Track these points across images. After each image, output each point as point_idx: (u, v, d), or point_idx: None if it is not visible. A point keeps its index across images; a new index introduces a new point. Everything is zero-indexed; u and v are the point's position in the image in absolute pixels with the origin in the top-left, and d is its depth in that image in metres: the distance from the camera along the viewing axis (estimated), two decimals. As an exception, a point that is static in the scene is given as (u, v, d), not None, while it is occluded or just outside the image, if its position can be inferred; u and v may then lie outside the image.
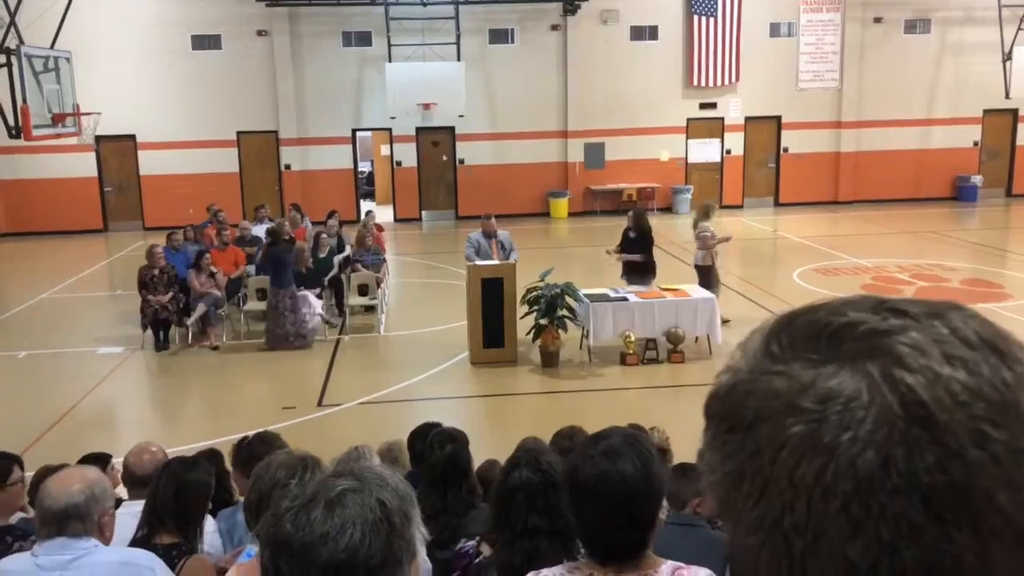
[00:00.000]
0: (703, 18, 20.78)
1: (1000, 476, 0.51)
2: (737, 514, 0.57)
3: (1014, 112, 21.91)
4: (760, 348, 0.59)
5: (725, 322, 10.26)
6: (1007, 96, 20.37)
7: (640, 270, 10.43)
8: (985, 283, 13.26)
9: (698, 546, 2.86)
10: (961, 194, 21.97)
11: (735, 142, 21.84)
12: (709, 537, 3.13)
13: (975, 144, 22.27)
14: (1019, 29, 20.20)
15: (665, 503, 2.47)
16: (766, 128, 21.82)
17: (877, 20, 21.43)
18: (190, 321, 10.82)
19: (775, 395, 0.56)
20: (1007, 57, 20.26)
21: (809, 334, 0.58)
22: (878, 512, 0.51)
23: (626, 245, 10.58)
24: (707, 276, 10.75)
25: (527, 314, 9.71)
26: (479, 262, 9.92)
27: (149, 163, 20.25)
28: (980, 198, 21.79)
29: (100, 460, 4.31)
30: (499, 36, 20.74)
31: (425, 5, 19.40)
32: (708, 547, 2.91)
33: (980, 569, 0.51)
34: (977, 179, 21.94)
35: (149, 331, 10.72)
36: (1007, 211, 21.22)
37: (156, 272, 10.71)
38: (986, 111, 21.87)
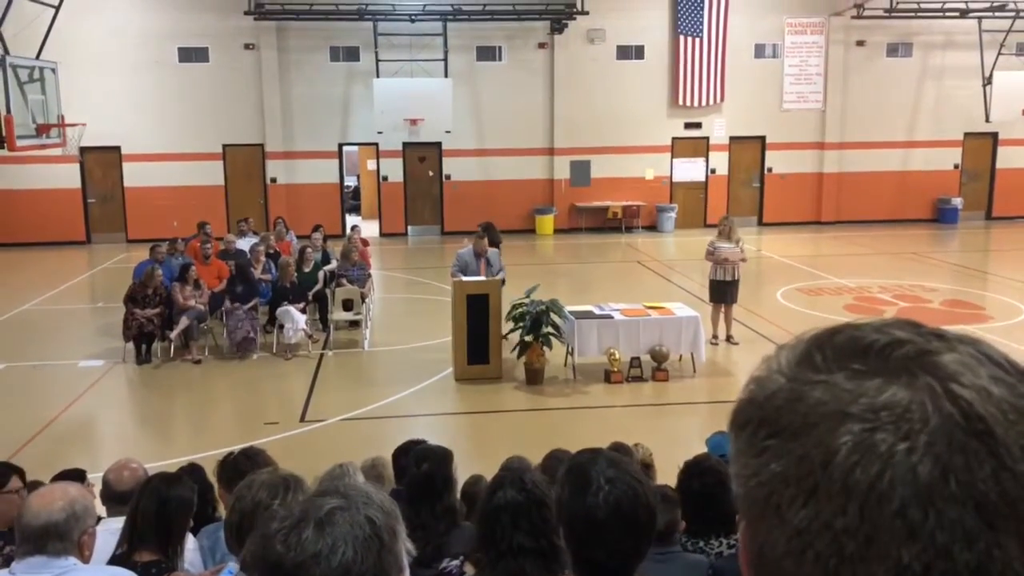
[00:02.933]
0: (689, 38, 20.99)
1: None
2: (780, 516, 0.59)
3: (994, 136, 22.20)
4: (799, 359, 0.62)
5: (729, 339, 10.99)
6: (987, 120, 20.67)
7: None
8: (966, 304, 13.38)
9: (678, 571, 2.85)
10: (942, 216, 22.20)
11: (720, 161, 22.01)
12: (688, 562, 3.13)
13: (956, 167, 22.54)
14: (999, 54, 20.51)
15: None
16: (750, 148, 22.01)
17: (860, 43, 21.71)
18: (173, 334, 10.74)
19: (823, 403, 0.58)
20: (987, 81, 20.56)
21: (855, 348, 0.61)
22: (935, 517, 0.54)
23: None
24: (715, 290, 11.07)
25: (512, 331, 9.71)
26: (464, 279, 9.93)
27: (134, 175, 20.16)
28: (960, 220, 22.03)
29: (74, 477, 4.24)
30: (487, 53, 20.85)
31: (413, 21, 19.48)
32: (688, 571, 2.90)
33: None
34: (958, 201, 22.19)
35: (131, 344, 10.64)
36: (987, 233, 21.46)
37: (150, 292, 10.67)
38: (967, 134, 22.16)
